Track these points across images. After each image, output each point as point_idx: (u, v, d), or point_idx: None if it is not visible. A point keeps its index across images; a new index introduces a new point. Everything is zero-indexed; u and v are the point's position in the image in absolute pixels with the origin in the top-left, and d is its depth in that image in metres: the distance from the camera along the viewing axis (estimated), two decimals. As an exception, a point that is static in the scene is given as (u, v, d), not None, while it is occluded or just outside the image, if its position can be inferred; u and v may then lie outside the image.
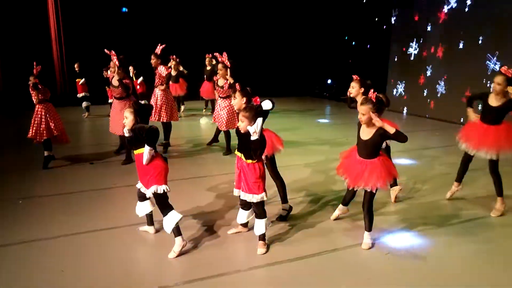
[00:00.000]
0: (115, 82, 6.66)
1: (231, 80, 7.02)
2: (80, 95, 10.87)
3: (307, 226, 4.51)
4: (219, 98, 7.36)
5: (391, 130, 3.75)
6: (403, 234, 4.34)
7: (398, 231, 4.42)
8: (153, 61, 7.35)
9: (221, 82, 7.22)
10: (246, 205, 4.09)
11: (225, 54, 7.14)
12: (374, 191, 3.94)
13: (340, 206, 4.61)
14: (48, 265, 3.68)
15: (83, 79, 10.67)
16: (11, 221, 4.56)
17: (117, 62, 6.54)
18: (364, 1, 13.47)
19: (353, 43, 14.17)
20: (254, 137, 3.68)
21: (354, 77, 4.97)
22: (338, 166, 4.30)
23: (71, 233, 4.27)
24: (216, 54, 7.37)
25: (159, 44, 7.35)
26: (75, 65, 10.72)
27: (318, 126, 10.36)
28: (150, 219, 4.29)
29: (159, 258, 3.84)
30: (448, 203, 5.21)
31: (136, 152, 3.87)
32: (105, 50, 6.66)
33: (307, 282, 3.48)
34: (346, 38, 14.39)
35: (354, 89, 4.92)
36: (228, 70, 7.09)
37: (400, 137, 3.74)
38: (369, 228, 4.06)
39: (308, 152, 7.64)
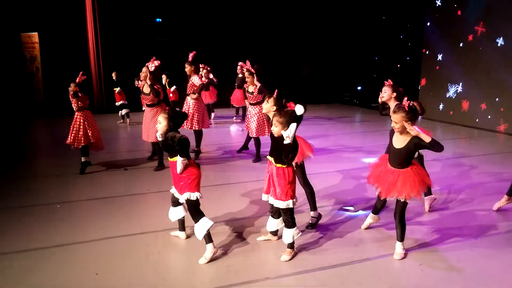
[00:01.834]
0: (146, 89, 6.83)
1: (258, 84, 7.14)
2: (118, 103, 11.18)
3: (337, 235, 4.46)
4: (249, 105, 7.44)
5: (427, 139, 3.65)
6: (437, 245, 4.22)
7: (432, 241, 4.30)
8: (187, 69, 7.51)
9: (251, 88, 7.31)
10: (276, 213, 4.10)
11: (248, 62, 7.27)
12: (407, 201, 3.86)
13: (371, 214, 4.53)
14: (82, 268, 3.80)
15: (119, 88, 10.96)
16: (49, 225, 4.73)
17: (152, 67, 6.69)
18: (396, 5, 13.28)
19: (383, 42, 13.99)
20: (286, 141, 3.70)
21: (388, 81, 4.92)
22: (368, 176, 4.23)
23: (106, 237, 4.40)
24: (240, 63, 7.49)
25: (189, 52, 7.51)
26: (113, 74, 11.03)
27: (349, 134, 10.25)
28: (182, 225, 4.36)
29: (189, 264, 3.90)
30: (485, 214, 5.04)
31: (170, 159, 3.97)
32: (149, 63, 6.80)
33: (337, 292, 3.45)
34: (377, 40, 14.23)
35: (386, 94, 4.86)
36: (255, 75, 7.20)
37: (436, 146, 3.65)
38: (401, 238, 3.97)
39: (339, 159, 7.56)
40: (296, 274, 3.70)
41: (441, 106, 11.46)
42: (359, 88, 15.38)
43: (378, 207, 4.41)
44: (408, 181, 3.81)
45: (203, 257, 3.89)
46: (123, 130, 10.76)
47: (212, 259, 3.89)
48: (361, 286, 3.53)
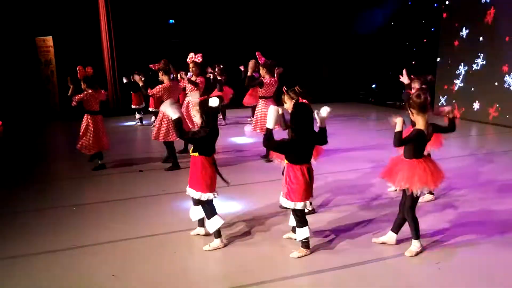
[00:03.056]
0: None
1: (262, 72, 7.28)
2: (134, 106, 11.29)
3: (352, 234, 4.43)
4: (260, 100, 7.44)
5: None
6: (454, 243, 4.16)
7: (448, 239, 4.24)
8: (193, 69, 7.61)
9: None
10: None
11: (258, 53, 7.46)
12: (413, 194, 3.78)
13: (390, 232, 4.14)
14: (100, 269, 3.85)
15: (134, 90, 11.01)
16: (66, 227, 4.79)
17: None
18: (410, 3, 13.13)
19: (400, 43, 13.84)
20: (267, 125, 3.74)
21: (412, 77, 4.95)
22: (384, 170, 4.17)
23: (122, 239, 4.45)
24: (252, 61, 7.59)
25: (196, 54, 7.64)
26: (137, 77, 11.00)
27: (363, 131, 10.16)
28: (202, 221, 4.39)
29: (204, 264, 3.94)
30: (504, 211, 4.94)
31: (192, 154, 4.07)
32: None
33: (352, 291, 3.43)
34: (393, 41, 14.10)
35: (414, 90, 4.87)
36: (265, 68, 7.27)
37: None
38: (415, 235, 3.91)
39: (354, 158, 7.49)
40: (310, 274, 3.69)
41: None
42: (373, 86, 15.26)
43: (397, 222, 4.08)
44: (415, 172, 3.73)
45: (208, 245, 4.10)
46: (137, 132, 10.85)
47: (225, 258, 3.95)
48: (375, 285, 3.51)
